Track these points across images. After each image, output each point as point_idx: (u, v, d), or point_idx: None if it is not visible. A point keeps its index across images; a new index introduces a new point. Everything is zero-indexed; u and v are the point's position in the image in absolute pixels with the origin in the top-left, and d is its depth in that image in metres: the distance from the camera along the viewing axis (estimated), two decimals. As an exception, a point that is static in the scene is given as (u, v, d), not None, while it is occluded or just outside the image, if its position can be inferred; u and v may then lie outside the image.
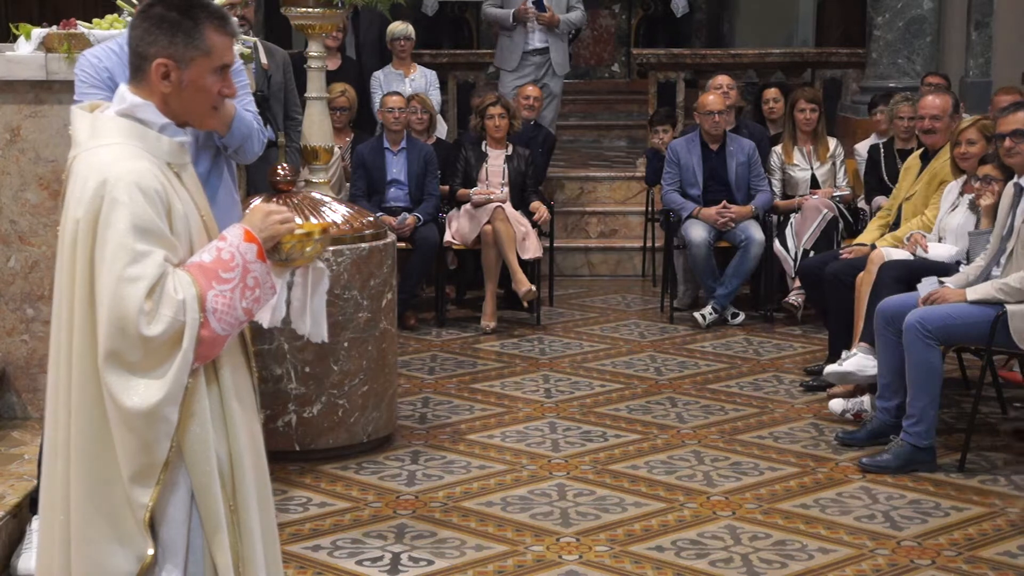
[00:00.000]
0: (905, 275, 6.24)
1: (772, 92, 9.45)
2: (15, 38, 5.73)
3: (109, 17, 5.65)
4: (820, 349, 7.65)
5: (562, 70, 10.48)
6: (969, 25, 10.46)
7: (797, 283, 8.27)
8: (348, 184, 8.65)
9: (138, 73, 2.90)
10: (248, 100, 4.64)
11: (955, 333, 5.76)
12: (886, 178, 8.06)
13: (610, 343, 8.09)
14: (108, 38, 5.00)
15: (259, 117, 4.68)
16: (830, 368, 6.54)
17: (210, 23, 2.89)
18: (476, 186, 8.66)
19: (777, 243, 8.50)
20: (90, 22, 5.64)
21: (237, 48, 3.43)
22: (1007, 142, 5.81)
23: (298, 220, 3.06)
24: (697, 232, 8.40)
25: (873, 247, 6.83)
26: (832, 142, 8.85)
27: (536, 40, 10.29)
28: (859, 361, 6.33)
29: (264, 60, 6.45)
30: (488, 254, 8.47)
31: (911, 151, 7.49)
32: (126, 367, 2.76)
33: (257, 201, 5.70)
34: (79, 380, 2.83)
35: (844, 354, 6.50)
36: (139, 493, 2.81)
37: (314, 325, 3.14)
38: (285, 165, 5.82)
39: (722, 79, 9.14)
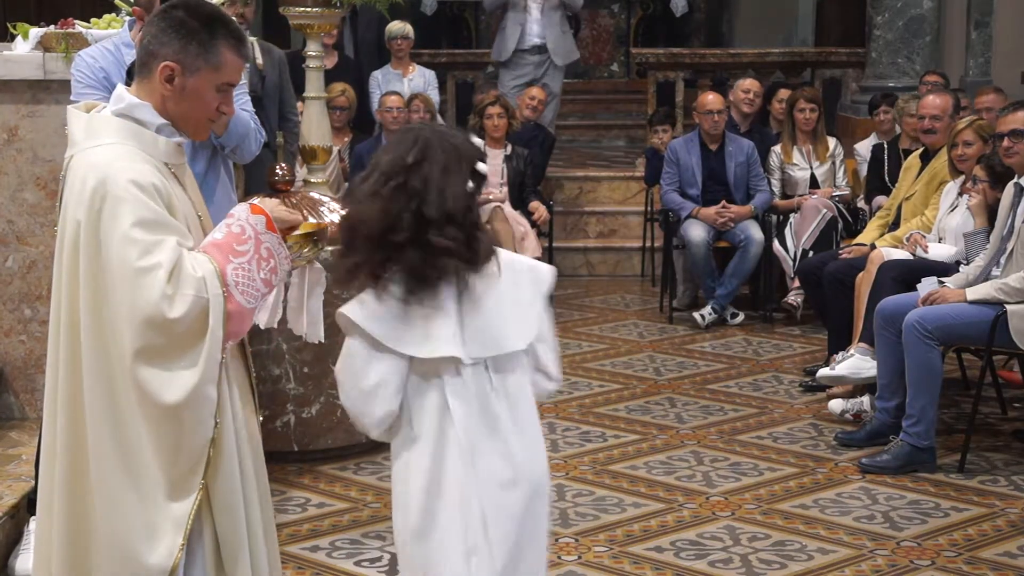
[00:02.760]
0: (905, 275, 6.23)
1: (783, 92, 9.37)
2: (13, 37, 5.73)
3: (107, 16, 5.65)
4: (819, 349, 7.64)
5: (563, 60, 10.25)
6: (969, 25, 10.45)
7: (796, 283, 8.24)
8: (346, 184, 8.64)
9: (143, 70, 2.91)
10: (245, 100, 4.64)
11: (955, 333, 5.75)
12: (888, 178, 8.03)
13: (609, 343, 8.08)
14: (105, 38, 5.00)
15: (256, 117, 4.68)
16: (823, 372, 6.52)
17: (227, 41, 2.91)
18: (475, 186, 8.63)
19: (776, 243, 8.49)
20: (88, 21, 5.64)
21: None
22: (1006, 142, 5.80)
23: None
24: (696, 232, 8.38)
25: (873, 247, 6.83)
26: (831, 142, 8.83)
27: (534, 35, 10.18)
28: (854, 363, 6.31)
29: (259, 60, 6.42)
30: (487, 254, 8.44)
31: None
32: (158, 359, 2.76)
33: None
34: (91, 382, 2.81)
35: (840, 355, 6.49)
36: (183, 482, 2.81)
37: (310, 325, 3.15)
38: (283, 165, 5.79)
39: (750, 84, 9.10)
